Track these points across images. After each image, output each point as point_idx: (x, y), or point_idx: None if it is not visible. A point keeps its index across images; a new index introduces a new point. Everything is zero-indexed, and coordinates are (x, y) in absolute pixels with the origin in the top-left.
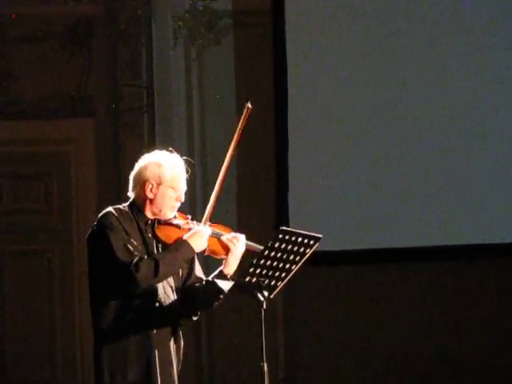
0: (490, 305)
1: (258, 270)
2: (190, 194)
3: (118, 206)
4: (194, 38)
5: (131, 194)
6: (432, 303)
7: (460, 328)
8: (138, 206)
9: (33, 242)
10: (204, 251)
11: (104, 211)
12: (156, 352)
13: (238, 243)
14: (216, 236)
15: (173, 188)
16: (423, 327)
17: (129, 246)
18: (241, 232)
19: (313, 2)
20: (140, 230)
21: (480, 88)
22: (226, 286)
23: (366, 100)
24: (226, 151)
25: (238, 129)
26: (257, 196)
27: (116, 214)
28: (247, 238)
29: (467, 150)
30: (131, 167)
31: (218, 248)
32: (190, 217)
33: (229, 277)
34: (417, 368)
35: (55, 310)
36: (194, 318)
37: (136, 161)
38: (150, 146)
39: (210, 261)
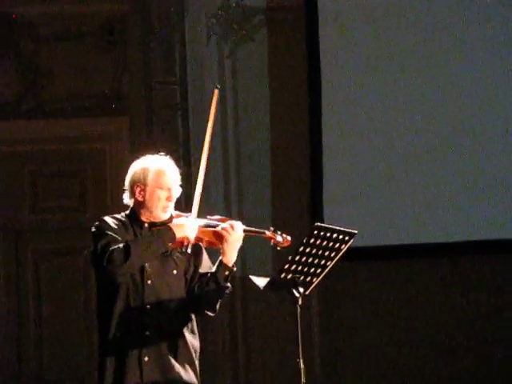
0: None
1: (293, 267)
2: (225, 188)
3: (114, 215)
4: (227, 35)
5: (128, 202)
6: (464, 297)
7: (494, 322)
8: (134, 212)
9: (68, 240)
10: (202, 243)
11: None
12: (147, 357)
13: (233, 230)
14: (211, 227)
15: (159, 187)
16: (463, 321)
17: (112, 241)
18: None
19: None
20: (135, 235)
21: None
22: (261, 282)
23: (401, 95)
24: (260, 145)
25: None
26: (291, 192)
27: (108, 221)
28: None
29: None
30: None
31: (213, 239)
32: (189, 215)
33: (230, 265)
34: (456, 363)
35: (92, 309)
36: (211, 314)
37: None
38: (185, 143)
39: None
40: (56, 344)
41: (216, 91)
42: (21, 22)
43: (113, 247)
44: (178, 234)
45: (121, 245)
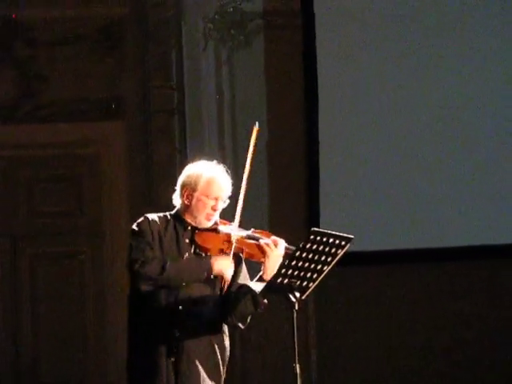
0: None
1: (289, 272)
2: None
3: (159, 214)
4: (224, 40)
5: (176, 202)
6: (461, 300)
7: (491, 326)
8: (179, 213)
9: (64, 244)
10: (242, 254)
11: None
12: (173, 358)
13: (276, 247)
14: (254, 239)
15: (206, 195)
16: (460, 324)
17: (146, 248)
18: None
19: (343, 2)
20: (177, 235)
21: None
22: (257, 287)
23: (397, 100)
24: (257, 149)
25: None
26: (288, 196)
27: (150, 219)
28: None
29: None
30: (162, 169)
31: (255, 251)
32: (232, 224)
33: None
34: (453, 366)
35: (87, 313)
36: (242, 327)
37: (167, 162)
38: (181, 148)
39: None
40: (53, 347)
41: (255, 128)
42: (18, 26)
43: (151, 257)
44: (216, 270)
45: (157, 259)
